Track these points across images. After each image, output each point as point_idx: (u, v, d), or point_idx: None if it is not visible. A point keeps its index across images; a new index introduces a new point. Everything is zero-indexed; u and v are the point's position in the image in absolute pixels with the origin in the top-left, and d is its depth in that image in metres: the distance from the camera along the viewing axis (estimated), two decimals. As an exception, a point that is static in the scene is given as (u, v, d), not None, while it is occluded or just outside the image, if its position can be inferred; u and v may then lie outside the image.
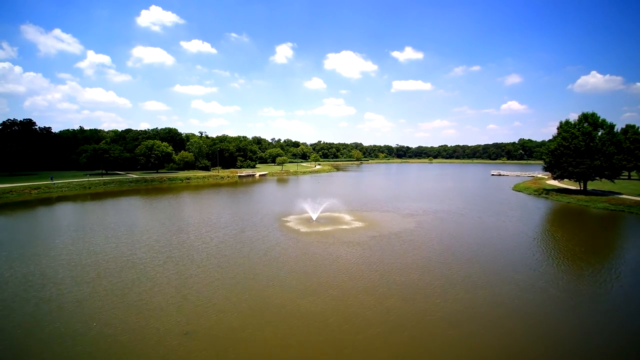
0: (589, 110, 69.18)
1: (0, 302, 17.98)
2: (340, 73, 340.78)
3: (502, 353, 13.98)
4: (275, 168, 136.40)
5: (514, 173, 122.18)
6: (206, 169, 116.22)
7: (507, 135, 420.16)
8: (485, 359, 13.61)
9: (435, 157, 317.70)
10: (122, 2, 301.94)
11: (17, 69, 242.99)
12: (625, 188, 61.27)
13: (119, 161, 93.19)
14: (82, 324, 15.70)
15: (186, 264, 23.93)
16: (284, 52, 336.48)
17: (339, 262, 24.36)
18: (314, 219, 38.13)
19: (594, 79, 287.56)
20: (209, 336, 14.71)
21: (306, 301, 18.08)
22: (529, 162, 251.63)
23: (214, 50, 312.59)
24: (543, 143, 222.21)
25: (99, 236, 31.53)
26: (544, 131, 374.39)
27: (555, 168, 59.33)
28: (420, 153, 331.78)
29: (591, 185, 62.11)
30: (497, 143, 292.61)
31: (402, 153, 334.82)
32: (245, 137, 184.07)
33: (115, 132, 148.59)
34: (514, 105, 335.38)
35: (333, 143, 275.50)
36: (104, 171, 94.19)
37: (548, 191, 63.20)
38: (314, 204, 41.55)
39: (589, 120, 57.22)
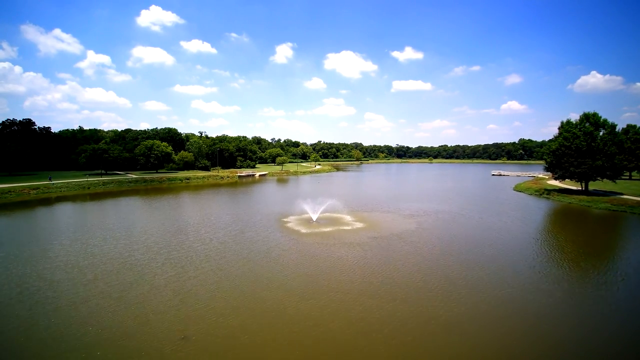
0: (589, 110, 69.09)
1: (-5, 305, 17.68)
2: (340, 73, 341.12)
3: (506, 356, 13.68)
4: (275, 168, 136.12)
5: (514, 173, 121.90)
6: (206, 169, 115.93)
7: (507, 135, 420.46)
8: (490, 364, 13.32)
9: (435, 157, 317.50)
10: (122, 2, 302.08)
11: (17, 69, 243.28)
12: (626, 188, 60.98)
13: (119, 161, 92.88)
14: (77, 327, 15.37)
15: (185, 265, 23.62)
16: (284, 52, 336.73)
17: (340, 264, 24.05)
18: (314, 220, 37.83)
19: (594, 79, 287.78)
20: (207, 341, 14.40)
21: (307, 304, 17.77)
22: (529, 162, 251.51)
23: (214, 50, 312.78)
24: (543, 143, 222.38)
25: (97, 237, 31.23)
26: (544, 131, 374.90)
27: (556, 168, 59.05)
28: (420, 153, 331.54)
29: (592, 186, 61.83)
30: (497, 143, 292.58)
31: (402, 153, 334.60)
32: (245, 137, 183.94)
33: (114, 132, 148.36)
34: (514, 105, 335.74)
35: (333, 143, 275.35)
36: (103, 171, 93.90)
37: (549, 191, 62.91)
38: (314, 204, 41.24)
39: (591, 120, 56.96)
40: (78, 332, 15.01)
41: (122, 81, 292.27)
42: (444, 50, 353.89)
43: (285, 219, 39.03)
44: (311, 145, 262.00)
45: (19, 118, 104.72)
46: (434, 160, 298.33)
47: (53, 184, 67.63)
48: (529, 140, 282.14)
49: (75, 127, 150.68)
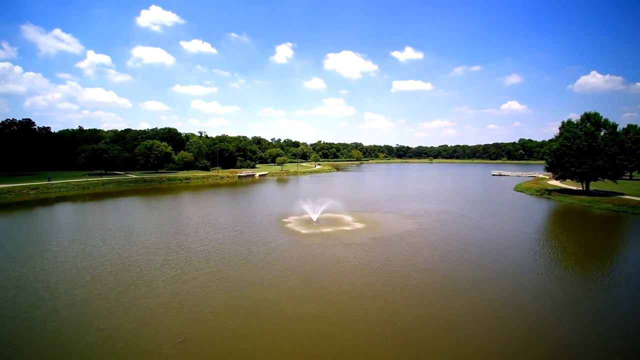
0: (589, 110, 68.99)
1: (-9, 307, 17.47)
2: (340, 73, 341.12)
3: (508, 358, 13.51)
4: (275, 168, 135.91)
5: (514, 173, 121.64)
6: (206, 169, 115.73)
7: (507, 135, 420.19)
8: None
9: (435, 157, 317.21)
10: (122, 2, 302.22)
11: (17, 69, 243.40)
12: (627, 189, 60.73)
13: (118, 161, 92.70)
14: (74, 330, 15.17)
15: (183, 267, 23.41)
16: (284, 52, 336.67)
17: (340, 265, 23.84)
18: (315, 220, 37.62)
19: (594, 79, 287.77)
20: (206, 344, 14.18)
21: (307, 307, 17.55)
22: (529, 162, 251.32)
23: (214, 50, 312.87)
24: (543, 143, 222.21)
25: (96, 238, 31.02)
26: (544, 131, 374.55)
27: (557, 168, 58.82)
28: (420, 153, 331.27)
29: (593, 186, 61.63)
30: (497, 143, 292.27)
31: (402, 153, 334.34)
32: (245, 137, 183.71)
33: (114, 132, 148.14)
34: (514, 105, 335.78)
35: (333, 143, 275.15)
36: (103, 171, 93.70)
37: (550, 192, 62.68)
38: (314, 204, 41.05)
39: (592, 120, 56.74)
40: (74, 335, 14.80)
41: (122, 81, 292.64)
42: (444, 50, 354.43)
43: (285, 220, 38.82)
44: (311, 145, 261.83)
45: (18, 118, 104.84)
46: (434, 160, 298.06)
47: (52, 184, 67.44)
48: (529, 140, 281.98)
49: (75, 127, 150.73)
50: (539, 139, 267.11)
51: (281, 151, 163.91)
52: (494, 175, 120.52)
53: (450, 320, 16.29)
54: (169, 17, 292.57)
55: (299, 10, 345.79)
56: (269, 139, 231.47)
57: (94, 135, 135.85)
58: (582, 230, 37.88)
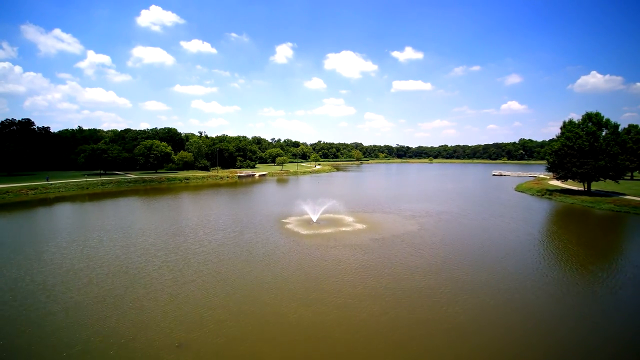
0: (589, 110, 68.62)
1: (-15, 311, 17.17)
2: (340, 73, 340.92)
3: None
4: (275, 168, 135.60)
5: (515, 173, 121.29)
6: (205, 169, 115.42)
7: (507, 135, 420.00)
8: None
9: (435, 157, 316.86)
10: (122, 2, 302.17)
11: (17, 69, 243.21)
12: (628, 189, 60.43)
13: (118, 161, 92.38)
14: (68, 335, 14.84)
15: (182, 268, 23.10)
16: (284, 52, 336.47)
17: (341, 267, 23.53)
18: (315, 221, 37.32)
19: (594, 79, 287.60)
20: (204, 349, 13.86)
21: (308, 310, 17.22)
22: (529, 162, 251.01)
23: (214, 50, 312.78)
24: (544, 143, 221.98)
25: (94, 239, 30.72)
26: (544, 131, 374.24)
27: (559, 168, 58.52)
28: (421, 153, 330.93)
29: (594, 186, 61.32)
30: (497, 143, 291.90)
31: (402, 153, 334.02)
32: (245, 137, 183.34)
33: (114, 132, 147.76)
34: (514, 105, 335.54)
35: (333, 143, 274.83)
36: (102, 171, 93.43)
37: (551, 192, 62.38)
38: (314, 205, 40.74)
39: (593, 120, 56.40)
40: (69, 340, 14.48)
41: (122, 81, 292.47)
42: (444, 50, 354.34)
43: (285, 220, 38.52)
44: (311, 145, 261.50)
45: (18, 118, 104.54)
46: (434, 160, 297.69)
47: (51, 184, 67.14)
48: (529, 140, 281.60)
49: (75, 127, 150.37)
50: (539, 139, 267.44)
51: (281, 151, 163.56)
52: (494, 175, 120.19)
53: (456, 326, 15.95)
54: (169, 17, 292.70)
55: (299, 10, 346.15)
56: (269, 139, 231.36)
57: (94, 135, 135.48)
58: (585, 231, 37.57)
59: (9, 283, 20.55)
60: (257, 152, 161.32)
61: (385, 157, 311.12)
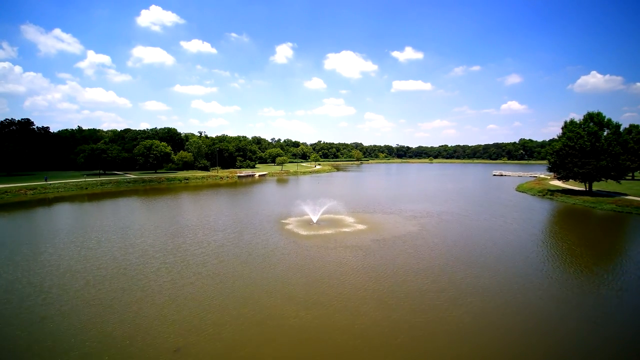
0: (589, 110, 68.04)
1: (-20, 314, 16.87)
2: (340, 73, 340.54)
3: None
4: (275, 168, 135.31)
5: (515, 173, 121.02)
6: (205, 169, 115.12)
7: (507, 135, 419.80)
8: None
9: (435, 157, 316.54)
10: (122, 2, 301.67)
11: (17, 69, 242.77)
12: (629, 189, 60.17)
13: (117, 161, 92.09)
14: (63, 339, 14.53)
15: (181, 270, 22.81)
16: (284, 52, 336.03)
17: (342, 269, 23.23)
18: (315, 222, 37.03)
19: (594, 79, 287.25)
20: (203, 354, 13.57)
21: (309, 314, 16.92)
22: (529, 162, 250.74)
23: (214, 50, 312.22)
24: (544, 143, 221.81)
25: (92, 240, 30.42)
26: (544, 131, 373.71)
27: (560, 168, 58.22)
28: (421, 153, 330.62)
29: (596, 186, 61.04)
30: (497, 143, 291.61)
31: (402, 153, 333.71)
32: (245, 137, 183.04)
33: (114, 132, 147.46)
34: (514, 105, 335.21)
35: (333, 143, 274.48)
36: (101, 171, 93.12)
37: (552, 192, 62.10)
38: (314, 205, 40.42)
39: (595, 120, 56.10)
40: (64, 344, 14.18)
41: (122, 81, 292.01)
42: (444, 50, 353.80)
43: (285, 221, 38.23)
44: (311, 145, 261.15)
45: (18, 118, 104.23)
46: (434, 160, 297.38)
47: (50, 184, 66.85)
48: (529, 140, 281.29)
49: (75, 127, 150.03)
50: (539, 139, 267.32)
51: (281, 151, 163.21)
52: (494, 175, 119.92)
53: (459, 329, 15.65)
54: (169, 17, 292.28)
55: (299, 10, 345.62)
56: (269, 139, 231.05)
57: (93, 135, 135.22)
58: (587, 231, 37.28)
59: (5, 285, 20.26)
60: (257, 152, 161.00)
61: (385, 157, 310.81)
